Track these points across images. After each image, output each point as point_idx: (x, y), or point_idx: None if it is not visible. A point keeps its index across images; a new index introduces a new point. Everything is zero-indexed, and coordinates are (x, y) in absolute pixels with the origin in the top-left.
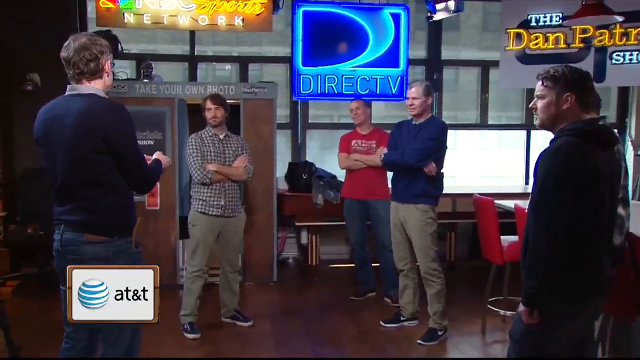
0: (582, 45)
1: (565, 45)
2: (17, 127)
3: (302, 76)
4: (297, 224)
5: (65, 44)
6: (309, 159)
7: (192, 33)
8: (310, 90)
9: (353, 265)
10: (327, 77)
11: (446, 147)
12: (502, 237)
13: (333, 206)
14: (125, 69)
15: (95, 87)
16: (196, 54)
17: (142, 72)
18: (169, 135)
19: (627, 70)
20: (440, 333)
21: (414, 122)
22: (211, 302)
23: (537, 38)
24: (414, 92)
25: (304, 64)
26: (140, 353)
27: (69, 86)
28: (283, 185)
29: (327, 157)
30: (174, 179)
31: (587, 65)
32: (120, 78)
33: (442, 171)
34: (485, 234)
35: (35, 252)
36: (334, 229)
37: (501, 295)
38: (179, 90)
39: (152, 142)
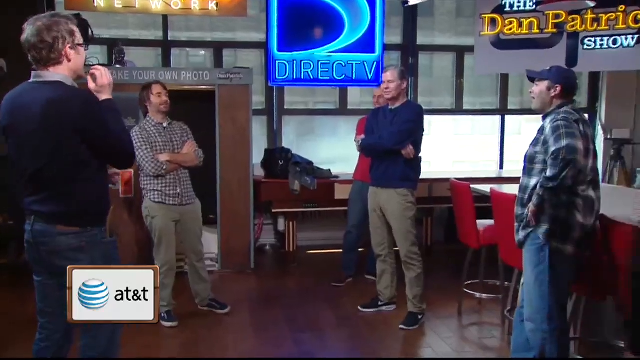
0: (554, 30)
1: (538, 31)
2: None
3: (277, 61)
4: (273, 210)
5: (24, 26)
6: (285, 145)
7: (165, 18)
8: (286, 76)
9: (331, 251)
10: (302, 62)
11: (423, 130)
12: (478, 221)
13: (310, 192)
14: (96, 54)
15: (61, 73)
16: (169, 39)
17: (114, 57)
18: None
19: (598, 55)
20: (420, 317)
21: (389, 107)
22: (187, 289)
23: (511, 23)
24: (388, 75)
25: (279, 49)
26: (120, 342)
27: (33, 72)
28: (259, 172)
29: (303, 143)
30: None
31: (560, 50)
32: (91, 63)
33: (419, 155)
34: (462, 218)
35: (5, 242)
36: (311, 215)
37: (477, 278)
38: (152, 75)
39: None
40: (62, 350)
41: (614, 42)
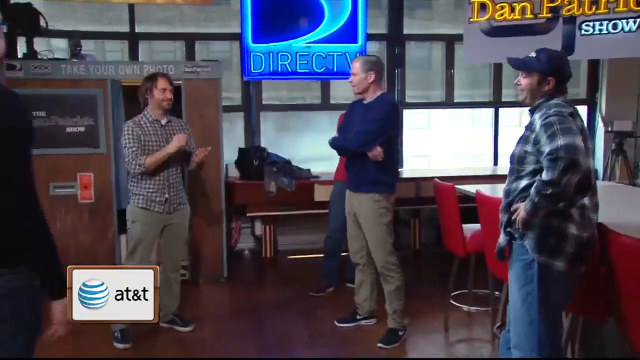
0: (549, 15)
1: (532, 16)
2: None
3: (252, 54)
4: (248, 214)
5: None
6: (264, 143)
7: (131, 8)
8: (262, 69)
9: (312, 256)
10: (279, 54)
11: (398, 128)
12: (465, 226)
13: (287, 194)
14: (62, 48)
15: None
16: (137, 31)
17: (69, 50)
18: (102, 121)
19: (597, 41)
20: (400, 333)
21: (363, 101)
22: None
23: (502, 8)
24: (353, 67)
25: (254, 41)
26: None
27: None
28: (235, 173)
29: (283, 140)
30: (109, 168)
31: (555, 36)
32: (46, 57)
33: (395, 155)
34: (446, 223)
35: None
36: (291, 218)
37: (465, 288)
38: (111, 70)
39: (82, 129)
40: None
41: (614, 26)
